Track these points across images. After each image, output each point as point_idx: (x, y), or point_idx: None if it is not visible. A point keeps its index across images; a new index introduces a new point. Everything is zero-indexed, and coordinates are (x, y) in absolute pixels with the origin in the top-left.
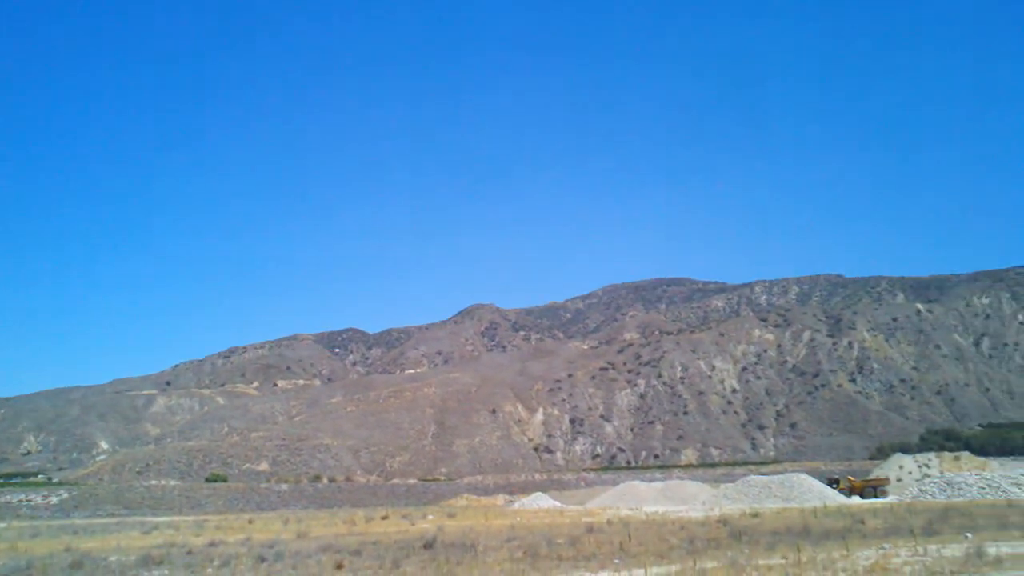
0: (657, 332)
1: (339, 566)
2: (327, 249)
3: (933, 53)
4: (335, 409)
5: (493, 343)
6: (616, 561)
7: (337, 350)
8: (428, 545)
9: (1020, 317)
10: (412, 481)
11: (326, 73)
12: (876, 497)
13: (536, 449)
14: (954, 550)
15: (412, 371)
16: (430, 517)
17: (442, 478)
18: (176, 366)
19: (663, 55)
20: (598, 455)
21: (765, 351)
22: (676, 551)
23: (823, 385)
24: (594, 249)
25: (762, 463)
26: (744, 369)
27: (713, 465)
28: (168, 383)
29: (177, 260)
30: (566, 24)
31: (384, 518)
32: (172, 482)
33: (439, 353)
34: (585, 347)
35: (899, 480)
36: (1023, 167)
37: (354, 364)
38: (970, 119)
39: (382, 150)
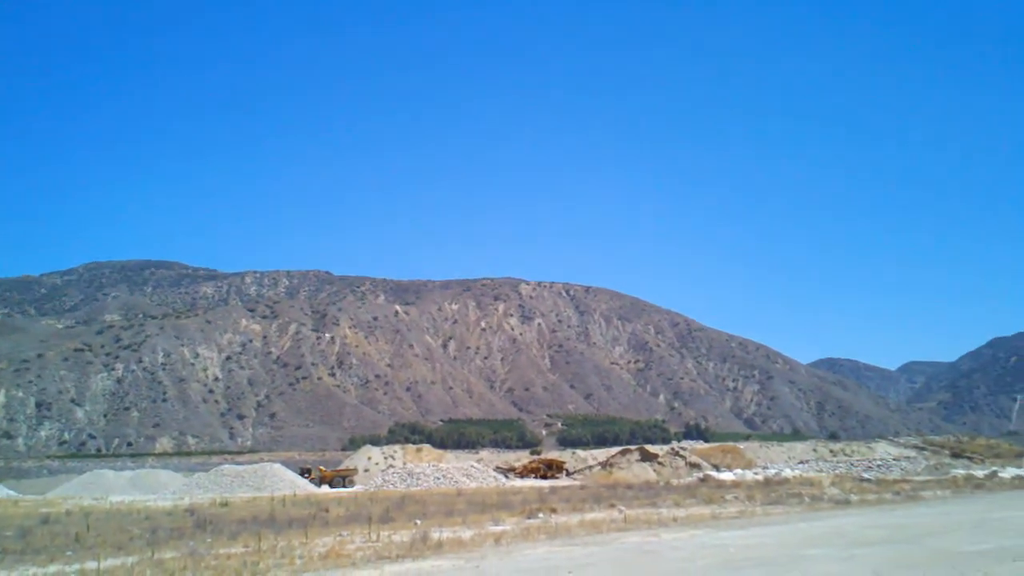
0: (141, 315)
1: None
2: None
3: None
4: None
5: None
6: (69, 553)
7: None
8: None
9: (483, 324)
10: None
11: None
12: (345, 487)
13: None
14: (403, 536)
15: None
16: None
17: None
18: None
19: None
20: (66, 441)
21: (251, 341)
22: (136, 541)
23: (304, 377)
24: (77, 222)
25: (239, 452)
26: (228, 358)
27: (189, 454)
28: None
29: None
30: None
31: None
32: None
33: None
34: (60, 326)
35: (367, 470)
36: (484, 182)
37: None
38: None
39: None
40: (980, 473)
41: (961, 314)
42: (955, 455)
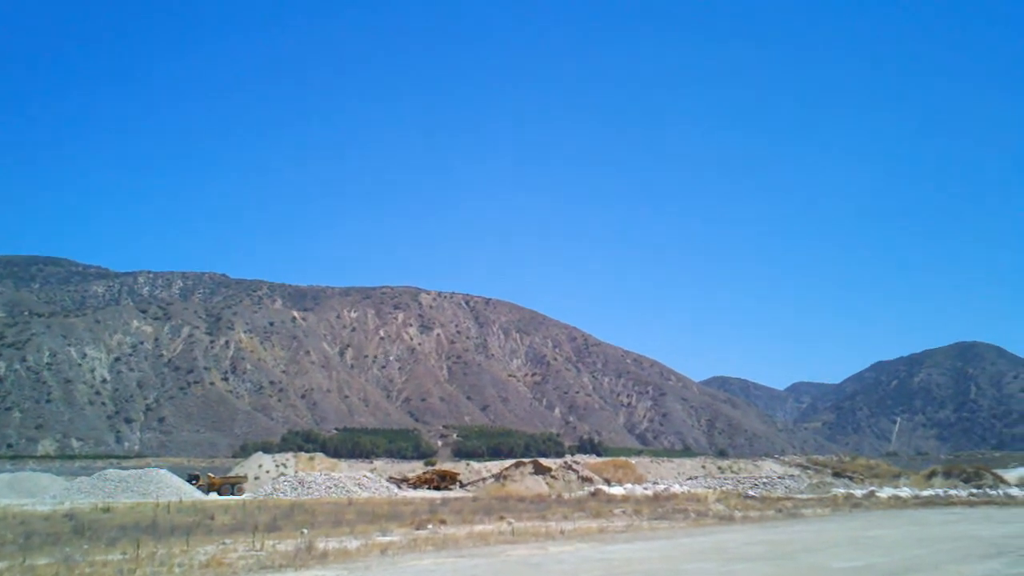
0: (27, 313)
1: None
2: None
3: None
4: None
5: None
6: None
7: None
8: None
9: (382, 332)
10: None
11: None
12: (234, 494)
13: None
14: (288, 545)
15: None
16: None
17: None
18: None
19: None
20: None
21: (142, 343)
22: (8, 547)
23: (196, 382)
24: None
25: (126, 457)
26: (118, 360)
27: (73, 457)
28: None
29: None
30: None
31: None
32: None
33: None
34: None
35: (257, 478)
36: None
37: None
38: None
39: None
40: (859, 492)
41: (846, 338)
42: (837, 474)
